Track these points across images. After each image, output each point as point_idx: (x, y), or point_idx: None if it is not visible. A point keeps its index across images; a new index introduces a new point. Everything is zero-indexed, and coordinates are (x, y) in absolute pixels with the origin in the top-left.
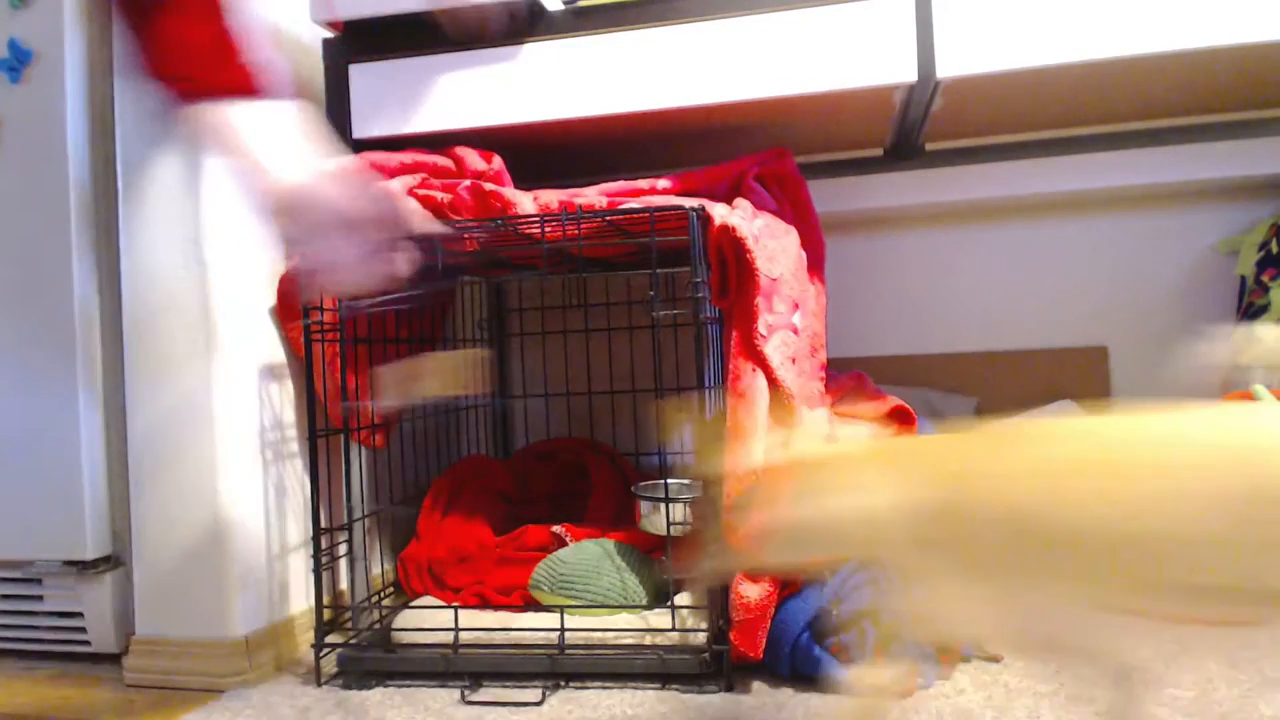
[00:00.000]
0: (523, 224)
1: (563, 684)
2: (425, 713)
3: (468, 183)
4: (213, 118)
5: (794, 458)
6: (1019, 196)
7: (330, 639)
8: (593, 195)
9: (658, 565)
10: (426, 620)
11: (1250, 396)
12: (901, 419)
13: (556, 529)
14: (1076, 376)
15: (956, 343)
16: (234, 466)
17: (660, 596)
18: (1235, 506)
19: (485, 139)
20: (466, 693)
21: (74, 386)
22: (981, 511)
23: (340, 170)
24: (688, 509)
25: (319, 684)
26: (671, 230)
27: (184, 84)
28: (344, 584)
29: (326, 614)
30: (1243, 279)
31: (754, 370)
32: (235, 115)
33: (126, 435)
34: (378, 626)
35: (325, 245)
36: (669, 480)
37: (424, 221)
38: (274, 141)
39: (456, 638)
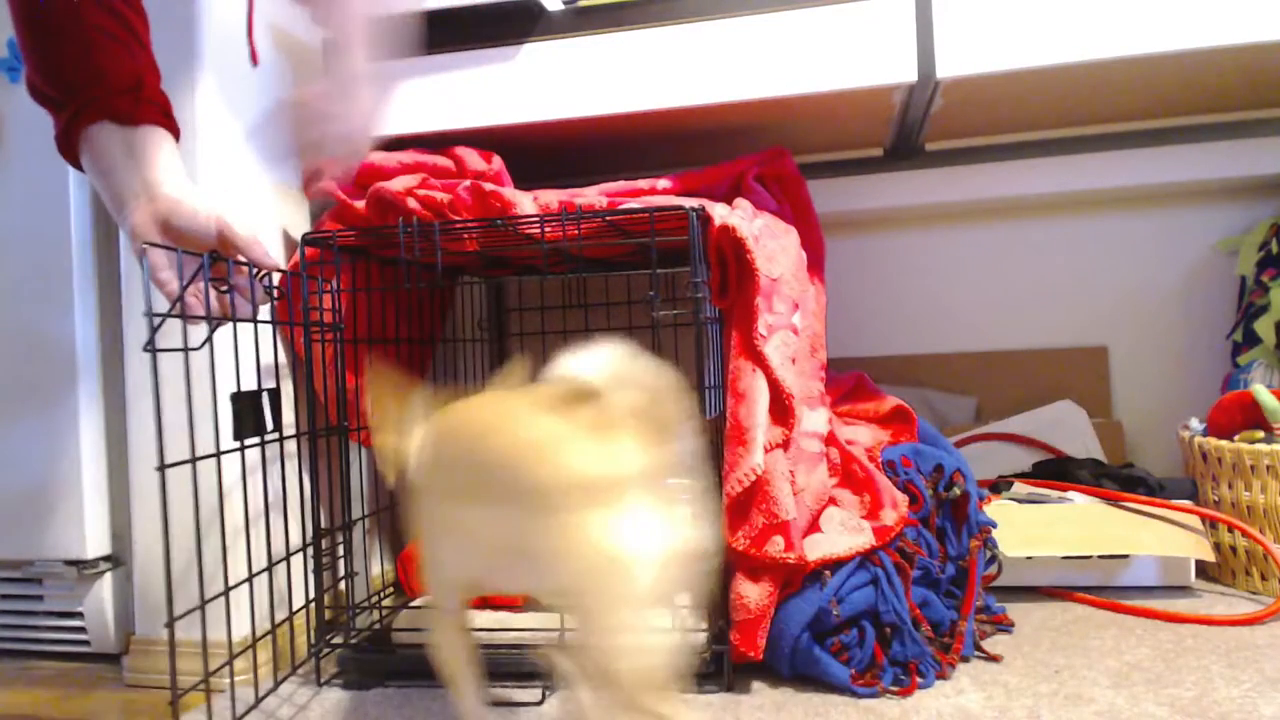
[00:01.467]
0: (523, 224)
1: (563, 684)
2: (425, 713)
3: (468, 183)
4: (102, 142)
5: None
6: (1019, 196)
7: (330, 639)
8: (593, 195)
9: None
10: (427, 620)
11: (1249, 397)
12: (901, 419)
13: None
14: (1076, 376)
15: (956, 343)
16: (234, 466)
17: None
18: (462, 473)
19: (485, 139)
20: None
21: (74, 384)
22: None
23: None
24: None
25: (319, 684)
26: (671, 230)
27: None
28: (344, 584)
29: (327, 614)
30: (1243, 279)
31: (754, 370)
32: (119, 142)
33: (127, 435)
34: (378, 626)
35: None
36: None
37: (254, 247)
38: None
39: None
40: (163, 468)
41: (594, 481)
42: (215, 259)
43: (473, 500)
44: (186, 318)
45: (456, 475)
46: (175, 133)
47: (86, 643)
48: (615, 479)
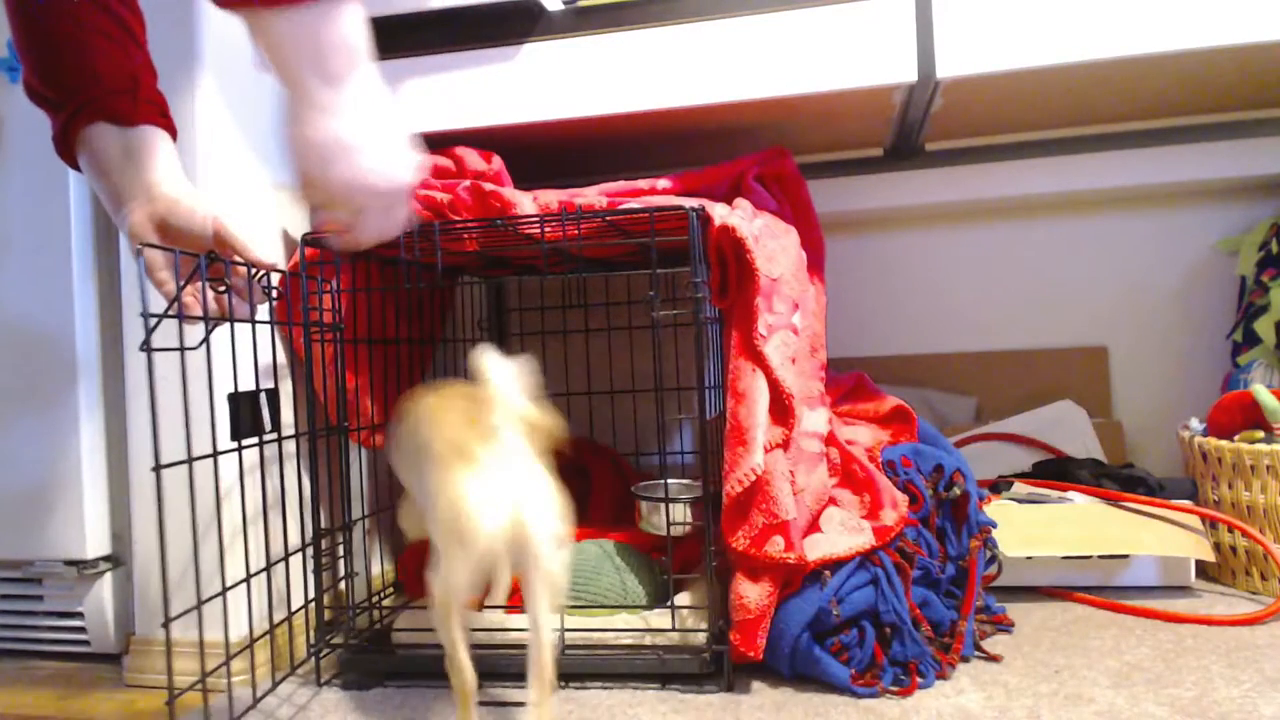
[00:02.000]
0: (523, 224)
1: (563, 684)
2: (425, 713)
3: (468, 183)
4: (99, 142)
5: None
6: (1019, 196)
7: (330, 639)
8: (593, 195)
9: (658, 565)
10: (426, 621)
11: (1249, 397)
12: (901, 419)
13: None
14: (1076, 376)
15: (956, 343)
16: (232, 467)
17: (660, 597)
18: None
19: (485, 139)
20: None
21: (74, 384)
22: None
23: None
24: (688, 509)
25: (319, 684)
26: (671, 230)
27: None
28: (343, 584)
29: (327, 614)
30: (1243, 279)
31: (754, 370)
32: (116, 142)
33: (127, 435)
34: (378, 627)
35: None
36: (669, 480)
37: (252, 247)
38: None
39: None
40: (159, 468)
41: (460, 444)
42: (213, 259)
43: (415, 468)
44: (183, 318)
45: (408, 447)
46: (172, 132)
47: (86, 643)
48: (475, 447)
